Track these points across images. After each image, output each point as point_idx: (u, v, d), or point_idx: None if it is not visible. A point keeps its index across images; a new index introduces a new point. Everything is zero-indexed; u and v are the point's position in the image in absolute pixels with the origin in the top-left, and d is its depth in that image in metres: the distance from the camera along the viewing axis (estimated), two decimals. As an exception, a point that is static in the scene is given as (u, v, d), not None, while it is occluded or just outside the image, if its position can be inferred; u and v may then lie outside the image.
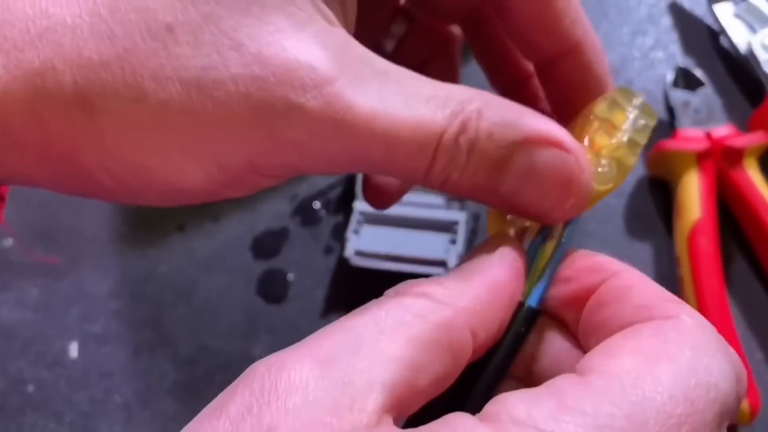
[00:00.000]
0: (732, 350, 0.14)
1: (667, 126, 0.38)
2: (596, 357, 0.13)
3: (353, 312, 0.14)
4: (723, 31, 0.41)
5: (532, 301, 0.16)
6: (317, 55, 0.15)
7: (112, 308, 0.36)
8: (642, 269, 0.38)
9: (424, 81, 0.16)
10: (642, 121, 0.18)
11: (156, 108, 0.14)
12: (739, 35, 0.40)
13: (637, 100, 0.18)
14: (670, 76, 0.39)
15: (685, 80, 0.39)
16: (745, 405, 0.30)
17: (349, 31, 0.17)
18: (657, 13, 0.44)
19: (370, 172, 0.19)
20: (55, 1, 0.14)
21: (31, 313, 0.36)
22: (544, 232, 0.17)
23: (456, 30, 0.23)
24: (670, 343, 0.13)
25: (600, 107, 0.18)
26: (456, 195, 0.17)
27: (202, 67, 0.14)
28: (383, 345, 0.13)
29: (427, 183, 0.16)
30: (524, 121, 0.16)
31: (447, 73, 0.22)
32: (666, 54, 0.43)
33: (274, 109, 0.14)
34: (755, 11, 0.40)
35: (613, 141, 0.18)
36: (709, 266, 0.33)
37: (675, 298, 0.15)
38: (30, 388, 0.34)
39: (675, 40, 0.43)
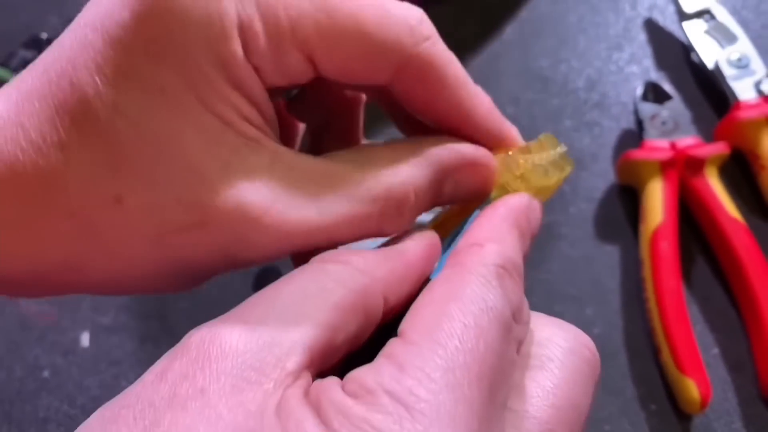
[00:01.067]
0: (507, 277, 0.17)
1: (636, 137, 0.41)
2: (408, 316, 0.16)
3: (282, 278, 0.16)
4: (693, 47, 0.44)
5: (433, 276, 0.18)
6: (249, 195, 0.17)
7: (121, 302, 0.39)
8: (609, 270, 0.40)
9: (352, 175, 0.18)
10: (558, 161, 0.21)
11: (129, 259, 0.18)
12: (708, 51, 0.43)
13: (561, 148, 0.21)
14: (639, 90, 0.41)
15: (654, 94, 0.41)
16: (696, 394, 0.33)
17: (271, 127, 0.19)
18: (633, 29, 0.47)
19: None
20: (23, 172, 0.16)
21: (47, 305, 0.39)
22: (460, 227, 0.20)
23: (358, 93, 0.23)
24: (454, 285, 0.16)
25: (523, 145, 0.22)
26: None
27: (156, 227, 0.17)
28: (306, 309, 0.15)
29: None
30: (443, 160, 0.20)
31: (348, 132, 0.24)
32: (640, 68, 0.45)
33: (226, 245, 0.17)
34: (723, 29, 0.43)
35: (522, 160, 0.21)
36: (668, 267, 0.35)
37: (481, 235, 0.18)
38: (46, 373, 0.37)
39: (649, 55, 0.46)
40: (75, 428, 0.15)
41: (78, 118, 0.16)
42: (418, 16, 0.20)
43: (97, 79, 0.16)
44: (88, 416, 0.14)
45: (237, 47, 0.17)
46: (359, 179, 0.18)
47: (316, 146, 0.24)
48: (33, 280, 0.18)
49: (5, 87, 0.18)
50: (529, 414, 0.16)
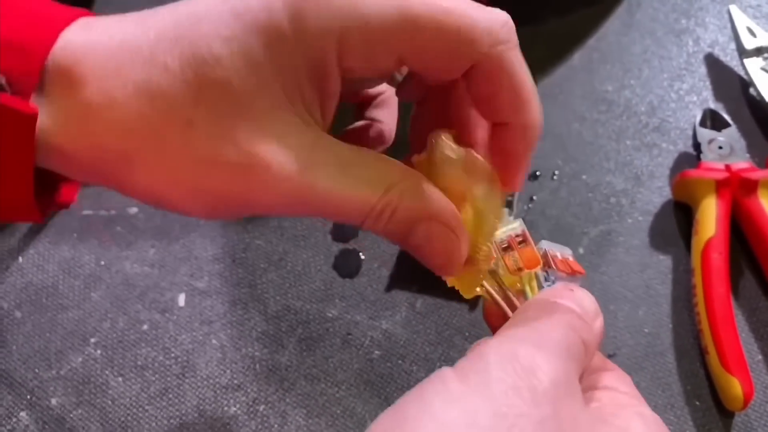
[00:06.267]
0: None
1: (692, 159, 0.45)
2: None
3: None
4: (752, 82, 0.47)
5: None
6: (286, 154, 0.21)
7: (215, 269, 0.44)
8: (661, 276, 0.44)
9: (369, 164, 0.23)
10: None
11: (174, 170, 0.21)
12: (765, 86, 0.46)
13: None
14: (699, 116, 0.45)
15: (713, 120, 0.45)
16: (740, 392, 0.35)
17: (326, 122, 0.23)
18: (695, 63, 0.51)
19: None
20: (116, 84, 0.21)
21: (149, 267, 0.44)
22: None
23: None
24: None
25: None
26: (385, 238, 0.24)
27: (211, 153, 0.21)
28: None
29: (364, 228, 0.23)
30: (429, 204, 0.23)
31: (441, 111, 0.27)
32: (699, 98, 0.49)
33: (252, 187, 0.21)
34: (780, 67, 0.46)
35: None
36: (718, 275, 0.39)
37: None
38: (145, 327, 0.42)
39: (708, 87, 0.49)
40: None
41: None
42: (500, 20, 0.22)
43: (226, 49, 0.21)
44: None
45: (332, 58, 0.21)
46: (373, 170, 0.22)
47: (415, 124, 0.28)
48: (90, 158, 0.21)
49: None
50: None
